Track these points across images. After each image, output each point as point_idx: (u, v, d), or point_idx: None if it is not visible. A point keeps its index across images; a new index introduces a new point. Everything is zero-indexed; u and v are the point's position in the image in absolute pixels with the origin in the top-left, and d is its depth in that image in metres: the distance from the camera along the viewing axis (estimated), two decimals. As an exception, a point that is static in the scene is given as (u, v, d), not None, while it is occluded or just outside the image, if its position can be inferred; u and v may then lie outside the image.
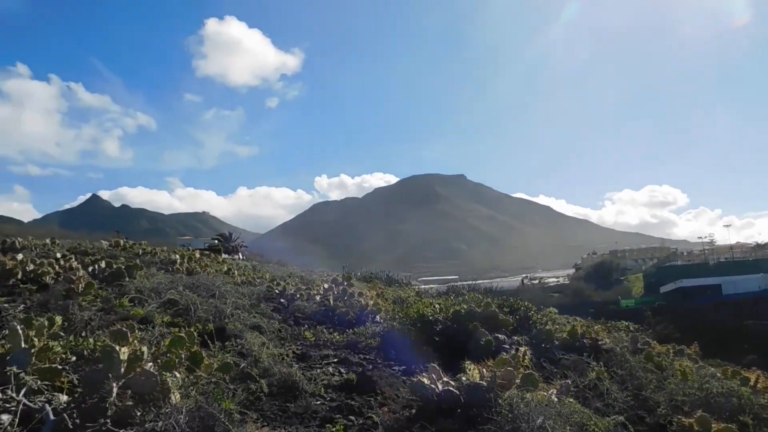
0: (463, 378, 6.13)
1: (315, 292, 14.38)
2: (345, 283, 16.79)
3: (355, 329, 10.97)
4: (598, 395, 7.24)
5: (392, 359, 9.19)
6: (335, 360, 8.69)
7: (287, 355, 8.27)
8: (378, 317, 12.11)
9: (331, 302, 12.96)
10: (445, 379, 6.24)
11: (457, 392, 5.86)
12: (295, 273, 24.61)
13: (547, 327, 10.26)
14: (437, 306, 10.97)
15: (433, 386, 6.02)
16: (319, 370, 7.88)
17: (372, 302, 12.79)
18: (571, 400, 6.03)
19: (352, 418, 6.04)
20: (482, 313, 10.10)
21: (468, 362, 6.61)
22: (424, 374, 6.46)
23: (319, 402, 6.50)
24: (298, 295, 13.64)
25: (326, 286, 15.82)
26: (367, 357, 9.19)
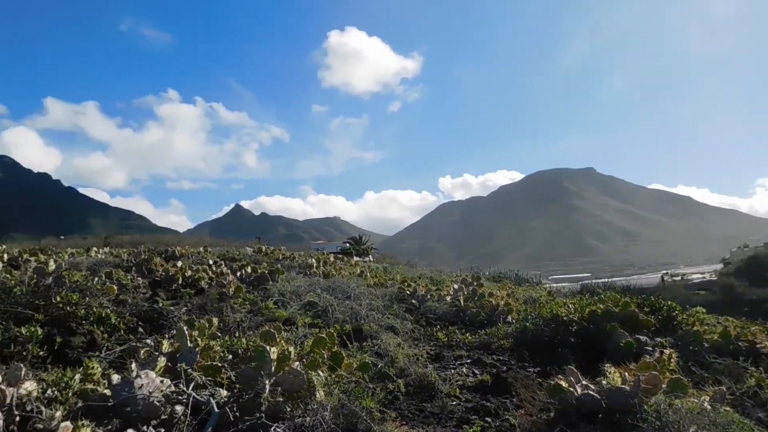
0: (604, 382, 5.89)
1: (445, 293, 14.47)
2: (474, 284, 16.73)
3: (487, 330, 10.92)
4: (760, 404, 6.55)
5: (526, 360, 9.05)
6: (469, 361, 8.73)
7: (421, 356, 8.47)
8: (509, 317, 11.94)
9: (462, 303, 12.98)
10: (584, 382, 6.03)
11: (598, 396, 5.65)
12: (425, 274, 24.84)
13: (695, 328, 9.44)
14: (571, 306, 10.57)
15: (571, 389, 5.85)
16: (453, 371, 7.97)
17: (503, 302, 12.62)
18: (728, 408, 5.52)
19: (489, 419, 6.05)
20: (621, 313, 9.57)
21: (607, 365, 6.33)
22: (560, 377, 6.30)
23: (454, 402, 6.58)
24: (428, 296, 13.82)
25: (456, 286, 15.86)
26: (501, 358, 9.12)
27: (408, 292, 14.30)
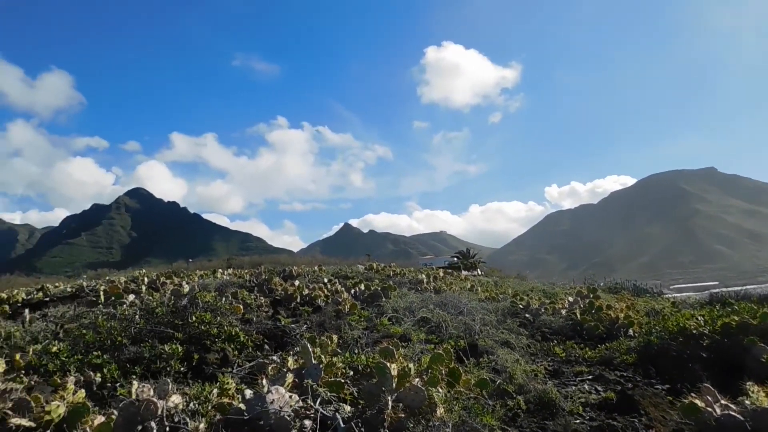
0: (747, 401, 5.44)
1: (560, 306, 14.02)
2: (590, 296, 16.05)
3: (607, 344, 10.44)
4: None
5: (653, 377, 8.53)
6: (590, 377, 8.40)
7: (540, 372, 8.28)
8: (630, 331, 11.34)
9: (578, 316, 12.51)
10: (723, 402, 5.61)
11: (741, 418, 5.23)
12: (537, 287, 24.19)
13: None
14: (701, 318, 9.85)
15: (709, 409, 5.46)
16: (574, 388, 7.72)
17: (622, 315, 12.01)
18: None
19: (617, 439, 5.80)
20: (759, 325, 8.77)
21: (749, 383, 5.84)
22: (694, 395, 5.90)
23: (578, 421, 6.37)
24: (542, 310, 13.46)
25: (570, 299, 15.31)
26: (624, 374, 8.68)
27: (521, 306, 14.01)
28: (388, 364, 5.53)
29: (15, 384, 6.52)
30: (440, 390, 5.73)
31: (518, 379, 7.38)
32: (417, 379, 5.59)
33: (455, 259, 65.22)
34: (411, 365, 5.77)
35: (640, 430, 6.06)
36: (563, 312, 13.32)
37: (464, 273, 35.29)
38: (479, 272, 45.49)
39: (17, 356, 7.52)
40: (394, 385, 5.43)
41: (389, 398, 5.26)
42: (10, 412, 5.56)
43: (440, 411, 5.32)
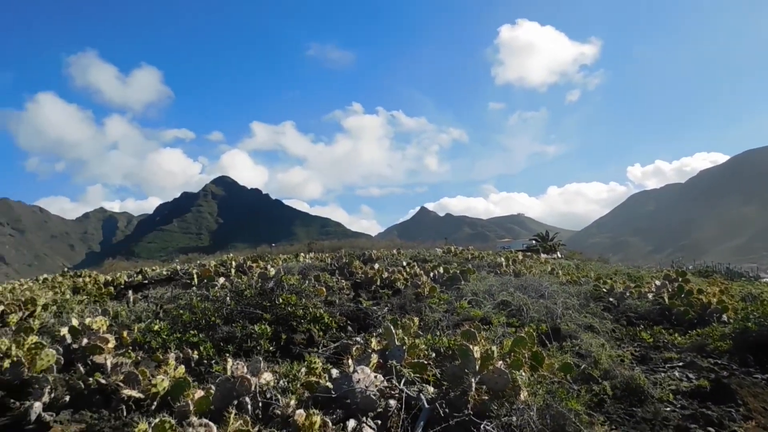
0: None
1: (646, 290, 13.50)
2: (680, 279, 15.33)
3: (699, 330, 9.98)
4: None
5: (751, 365, 8.09)
6: (680, 364, 8.09)
7: (626, 357, 8.07)
8: (724, 316, 10.78)
9: (666, 300, 12.02)
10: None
11: None
12: (620, 270, 23.32)
13: None
14: (807, 304, 9.22)
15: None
16: (663, 374, 7.47)
17: (715, 299, 11.42)
18: None
19: (711, 429, 5.58)
20: None
21: None
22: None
23: (668, 409, 6.18)
24: (627, 294, 13.00)
25: (657, 282, 14.70)
26: (719, 362, 8.28)
27: (604, 290, 13.60)
28: (471, 347, 5.59)
29: (124, 359, 7.13)
30: (523, 373, 5.73)
31: (603, 364, 7.23)
32: (500, 362, 5.62)
33: (534, 242, 63.73)
34: (494, 348, 5.80)
35: (737, 421, 5.81)
36: (650, 296, 12.82)
37: (543, 256, 34.51)
38: (559, 255, 44.34)
39: (124, 333, 8.17)
40: (477, 367, 5.50)
41: (473, 380, 5.32)
42: (121, 384, 6.09)
43: (524, 394, 5.32)
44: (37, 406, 5.90)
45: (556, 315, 10.08)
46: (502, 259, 19.93)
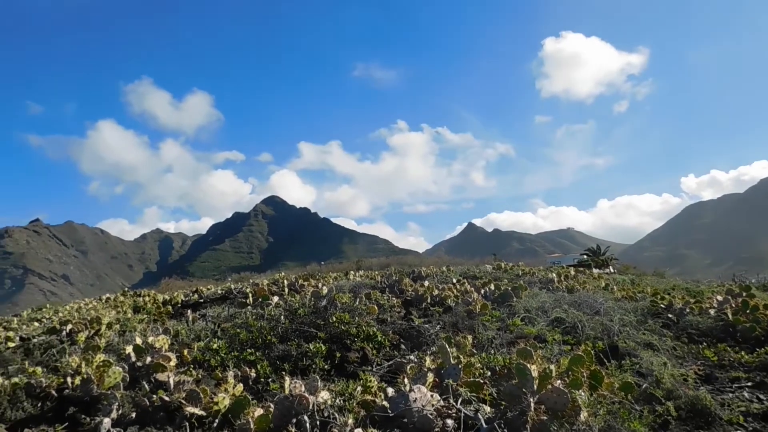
0: None
1: (707, 306, 12.97)
2: (743, 294, 14.68)
3: (767, 348, 9.52)
4: None
5: (830, 386, 7.67)
6: (749, 384, 7.74)
7: (690, 376, 7.78)
8: (798, 333, 10.25)
9: (730, 316, 11.52)
10: None
11: None
12: (678, 285, 22.54)
13: None
14: None
15: None
16: (731, 395, 7.18)
17: (785, 315, 10.88)
18: None
19: (786, 452, 5.34)
20: None
21: None
22: None
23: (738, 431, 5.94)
24: (687, 310, 12.54)
25: (719, 298, 14.11)
26: (791, 382, 7.89)
27: (662, 306, 13.14)
28: (528, 365, 5.53)
29: (186, 377, 7.37)
30: (583, 393, 5.62)
31: (666, 383, 7.00)
32: (558, 381, 5.53)
33: (585, 256, 62.46)
34: (551, 367, 5.72)
35: (813, 444, 5.53)
36: (711, 312, 12.32)
37: (596, 271, 33.71)
38: (612, 270, 43.25)
39: (185, 352, 8.44)
40: (535, 386, 5.43)
41: (531, 400, 5.26)
42: (184, 402, 6.30)
43: (584, 415, 5.22)
44: (107, 422, 6.16)
45: (612, 332, 9.84)
46: (554, 274, 19.60)
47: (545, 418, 5.25)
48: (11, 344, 11.28)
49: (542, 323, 10.54)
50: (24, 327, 15.59)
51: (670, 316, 12.21)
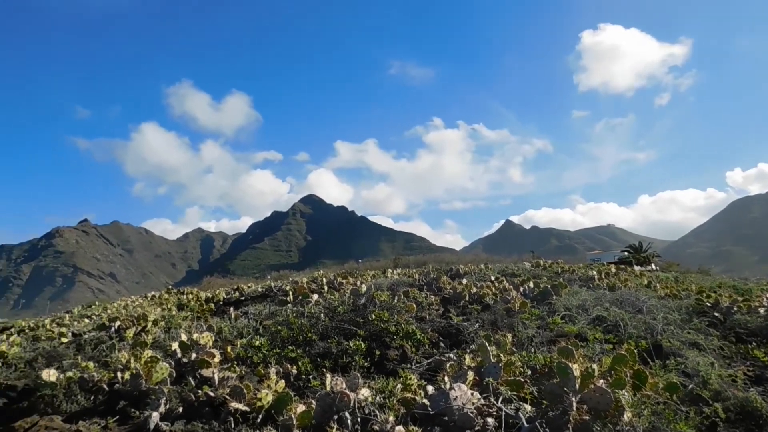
0: None
1: (756, 304, 12.57)
2: (797, 292, 14.18)
3: (825, 348, 9.20)
4: None
5: None
6: (808, 386, 7.49)
7: (738, 377, 7.57)
8: None
9: (781, 315, 11.15)
10: None
11: None
12: (725, 282, 21.86)
13: None
14: None
15: None
16: (784, 397, 6.95)
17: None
18: None
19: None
20: None
21: None
22: None
23: (792, 435, 5.76)
24: (735, 308, 12.17)
25: (770, 295, 13.66)
26: None
27: (708, 304, 12.78)
28: (570, 364, 5.49)
29: (230, 373, 7.56)
30: (626, 393, 5.55)
31: (713, 384, 6.82)
32: (601, 381, 5.48)
33: (626, 253, 60.91)
34: (595, 366, 5.66)
35: None
36: (761, 311, 11.92)
37: (638, 268, 32.94)
38: (654, 267, 42.15)
39: (228, 348, 8.65)
40: (577, 386, 5.38)
41: (573, 399, 5.22)
42: (228, 397, 6.47)
43: (628, 415, 5.16)
44: (155, 416, 6.39)
45: (656, 331, 9.63)
46: (594, 272, 19.25)
47: (587, 417, 5.21)
48: (64, 340, 11.77)
49: (583, 322, 10.40)
50: (75, 323, 16.24)
51: (716, 314, 11.87)
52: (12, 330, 17.22)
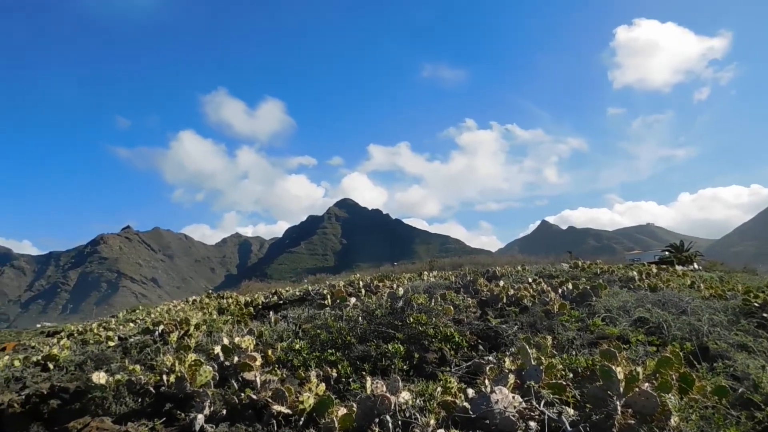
0: None
1: (809, 305, 12.12)
2: None
3: None
4: None
5: None
6: None
7: (790, 381, 7.33)
8: None
9: (836, 316, 10.73)
10: None
11: None
12: (775, 282, 21.12)
13: None
14: None
15: None
16: (839, 401, 6.70)
17: None
18: None
19: None
20: None
21: None
22: None
23: None
24: (786, 309, 11.77)
25: (823, 296, 13.14)
26: None
27: (756, 304, 12.36)
28: (613, 367, 5.41)
29: (271, 376, 7.69)
30: (672, 397, 5.43)
31: (765, 387, 6.60)
32: (646, 384, 5.39)
33: (666, 253, 59.36)
34: (640, 369, 5.56)
35: None
36: (815, 312, 11.50)
37: (680, 268, 32.09)
38: (697, 266, 41.04)
39: (269, 352, 8.81)
40: (621, 389, 5.30)
41: (618, 403, 5.15)
42: (270, 400, 6.59)
43: (675, 419, 5.05)
44: (200, 418, 6.56)
45: (701, 333, 9.38)
46: (635, 272, 18.85)
47: (633, 422, 5.12)
48: (111, 343, 12.17)
49: (624, 323, 10.21)
50: (121, 327, 16.75)
51: (765, 315, 11.48)
52: (62, 334, 17.88)
